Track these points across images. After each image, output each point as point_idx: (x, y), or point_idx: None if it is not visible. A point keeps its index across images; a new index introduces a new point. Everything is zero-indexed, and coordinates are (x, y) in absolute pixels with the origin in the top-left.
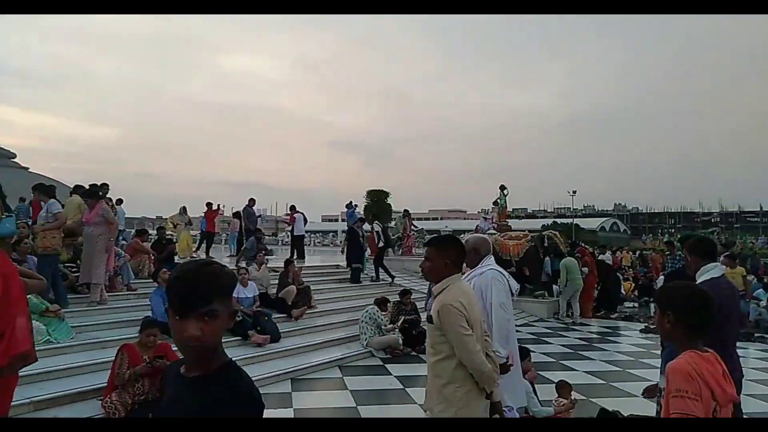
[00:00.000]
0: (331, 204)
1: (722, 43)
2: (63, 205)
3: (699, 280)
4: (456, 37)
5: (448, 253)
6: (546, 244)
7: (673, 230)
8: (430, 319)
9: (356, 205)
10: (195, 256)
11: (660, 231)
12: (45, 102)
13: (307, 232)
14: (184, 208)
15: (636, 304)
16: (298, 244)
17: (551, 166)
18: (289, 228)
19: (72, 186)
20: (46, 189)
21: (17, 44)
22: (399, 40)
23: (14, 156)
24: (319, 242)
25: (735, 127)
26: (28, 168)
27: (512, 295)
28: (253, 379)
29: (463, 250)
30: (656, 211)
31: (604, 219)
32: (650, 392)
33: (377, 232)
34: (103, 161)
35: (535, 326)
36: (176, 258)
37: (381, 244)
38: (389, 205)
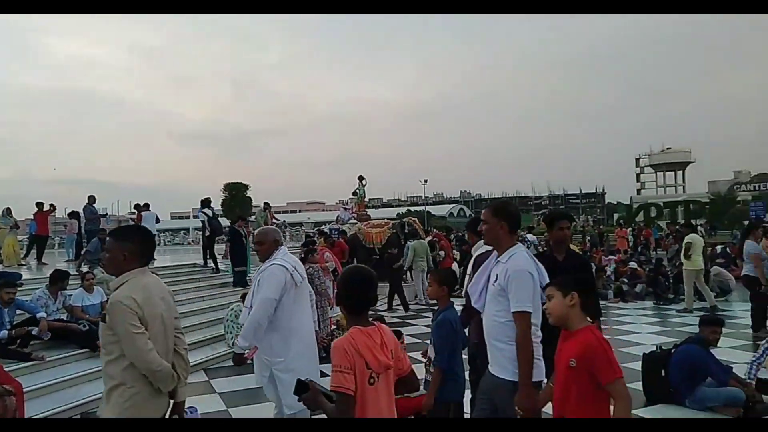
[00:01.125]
0: (181, 200)
1: (558, 41)
2: None
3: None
4: (313, 28)
5: (128, 246)
6: (406, 230)
7: None
8: (103, 318)
9: (211, 201)
10: (23, 263)
11: None
12: None
13: (157, 231)
14: (8, 209)
15: None
16: None
17: (404, 156)
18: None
19: None
20: None
21: None
22: (250, 27)
23: None
24: (169, 241)
25: (560, 119)
26: None
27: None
28: None
29: (144, 243)
30: (496, 195)
31: (452, 206)
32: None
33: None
34: None
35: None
36: (1, 267)
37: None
38: (249, 198)
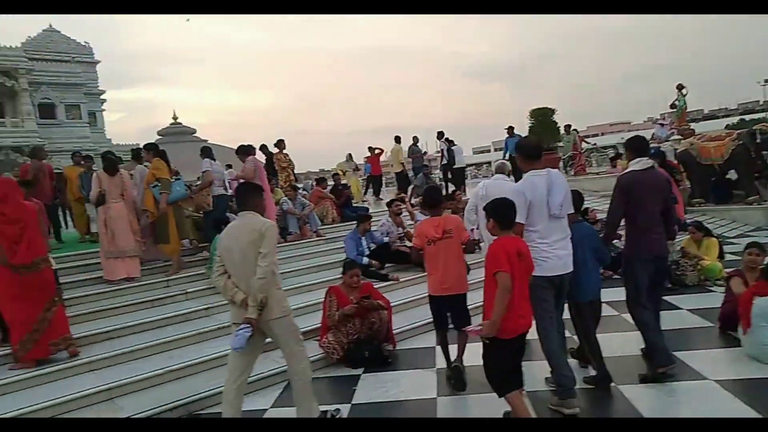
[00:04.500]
0: (476, 137)
1: None
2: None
3: None
4: None
5: None
6: (758, 140)
7: None
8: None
9: (514, 129)
10: (365, 199)
11: None
12: (203, 79)
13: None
14: (350, 155)
15: None
16: (459, 176)
17: (730, 57)
18: (444, 162)
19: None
20: (204, 150)
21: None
22: None
23: (194, 131)
24: (474, 175)
25: None
26: (206, 140)
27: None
28: None
29: None
30: None
31: None
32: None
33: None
34: (262, 125)
35: (753, 236)
36: (352, 203)
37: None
38: (554, 122)
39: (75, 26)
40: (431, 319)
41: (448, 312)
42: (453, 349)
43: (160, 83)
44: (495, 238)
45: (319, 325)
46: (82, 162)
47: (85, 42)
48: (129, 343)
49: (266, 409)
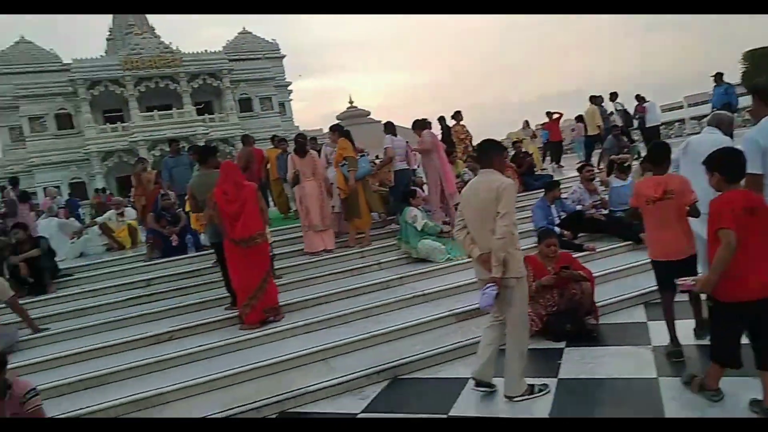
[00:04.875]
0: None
1: None
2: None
3: None
4: None
5: None
6: None
7: None
8: None
9: (723, 75)
10: (544, 168)
11: None
12: (379, 63)
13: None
14: (527, 122)
15: None
16: (652, 136)
17: None
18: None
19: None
20: (386, 126)
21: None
22: None
23: (368, 113)
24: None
25: None
26: (380, 121)
27: None
28: None
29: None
30: None
31: None
32: None
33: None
34: (436, 102)
35: None
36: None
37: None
38: None
39: (264, 26)
40: (636, 292)
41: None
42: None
43: (334, 71)
44: (719, 193)
45: None
46: (280, 144)
47: (272, 39)
48: (336, 308)
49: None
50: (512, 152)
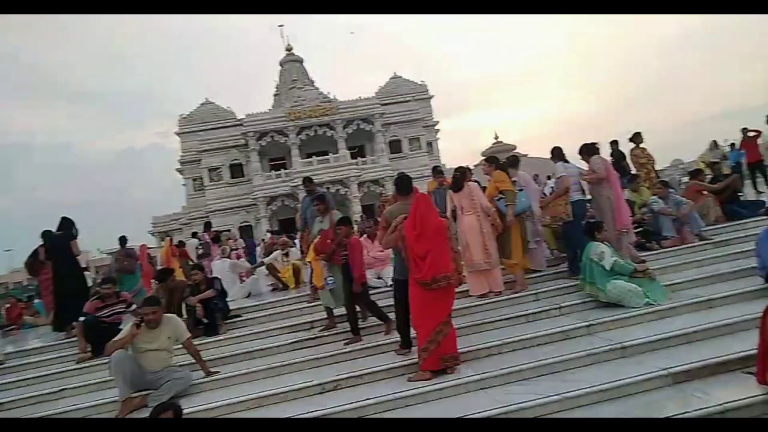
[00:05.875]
0: None
1: None
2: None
3: None
4: None
5: None
6: None
7: None
8: None
9: None
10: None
11: None
12: (513, 98)
13: None
14: (715, 142)
15: None
16: None
17: None
18: None
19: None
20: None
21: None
22: None
23: (514, 147)
24: None
25: None
26: (527, 155)
27: None
28: None
29: None
30: None
31: None
32: None
33: None
34: (582, 131)
35: None
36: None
37: None
38: None
39: (414, 68)
40: None
41: None
42: None
43: (480, 108)
44: None
45: (751, 351)
46: (437, 177)
47: (422, 81)
48: (511, 360)
49: None
50: (709, 176)
